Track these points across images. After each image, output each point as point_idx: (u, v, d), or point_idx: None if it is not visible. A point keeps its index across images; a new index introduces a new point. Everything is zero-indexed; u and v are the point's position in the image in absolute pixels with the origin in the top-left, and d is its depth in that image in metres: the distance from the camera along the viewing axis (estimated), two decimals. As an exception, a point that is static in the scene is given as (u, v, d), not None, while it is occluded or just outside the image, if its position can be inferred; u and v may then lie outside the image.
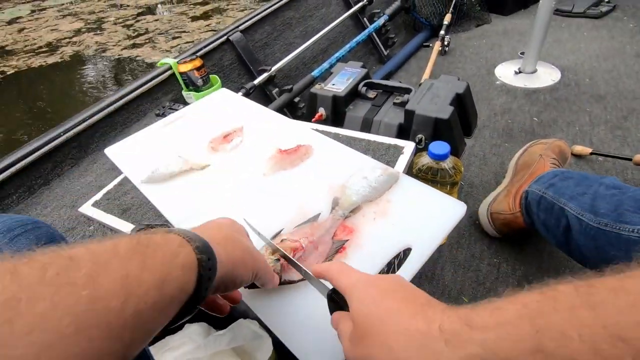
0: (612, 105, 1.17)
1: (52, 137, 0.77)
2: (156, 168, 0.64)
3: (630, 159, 0.92)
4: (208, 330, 0.61)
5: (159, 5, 4.42)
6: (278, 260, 0.42)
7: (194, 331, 0.59)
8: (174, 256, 0.24)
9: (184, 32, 3.58)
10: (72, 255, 0.20)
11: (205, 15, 3.95)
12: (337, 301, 0.33)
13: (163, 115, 0.91)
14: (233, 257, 0.31)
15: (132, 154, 0.69)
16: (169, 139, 0.72)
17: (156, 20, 3.97)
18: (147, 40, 3.48)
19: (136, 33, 3.67)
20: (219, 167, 0.63)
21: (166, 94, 1.00)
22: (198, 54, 1.02)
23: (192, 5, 4.29)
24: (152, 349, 0.56)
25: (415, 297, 0.28)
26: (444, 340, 0.23)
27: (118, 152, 0.70)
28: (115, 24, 3.97)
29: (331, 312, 0.34)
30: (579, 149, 1.00)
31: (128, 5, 4.48)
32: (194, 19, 3.88)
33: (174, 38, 3.46)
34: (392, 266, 0.52)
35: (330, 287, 0.34)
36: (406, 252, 0.47)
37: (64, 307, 0.17)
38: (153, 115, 0.94)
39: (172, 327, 0.25)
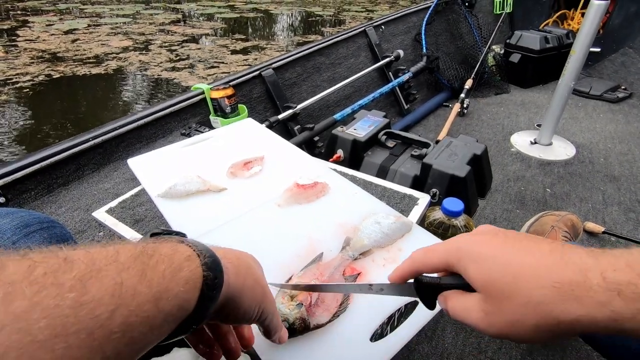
0: (625, 188, 1.18)
1: (80, 141, 0.80)
2: (174, 184, 0.65)
3: (643, 244, 0.91)
4: (196, 358, 0.59)
5: (204, 36, 4.73)
6: (301, 305, 0.40)
7: (181, 357, 0.57)
8: (178, 270, 0.22)
9: (222, 63, 3.79)
10: (68, 257, 0.18)
11: (245, 51, 4.20)
12: (428, 287, 0.30)
13: (188, 135, 0.94)
14: (243, 282, 0.28)
15: (153, 168, 0.71)
16: (191, 158, 0.73)
17: (198, 48, 4.23)
18: (187, 66, 3.69)
19: (178, 57, 3.91)
20: (236, 192, 0.64)
21: (194, 116, 1.04)
22: (231, 83, 1.07)
23: (234, 40, 4.58)
24: (135, 370, 0.54)
25: (538, 241, 0.25)
26: (617, 292, 0.21)
27: (140, 163, 0.72)
28: (160, 47, 4.25)
29: (429, 304, 0.31)
30: (592, 226, 0.99)
31: (176, 32, 4.82)
32: (234, 52, 4.13)
33: (211, 67, 3.67)
34: (392, 319, 0.50)
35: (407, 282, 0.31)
36: (408, 305, 0.46)
37: (42, 308, 0.16)
38: (179, 134, 0.97)
39: (162, 344, 0.23)
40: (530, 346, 0.73)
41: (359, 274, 0.47)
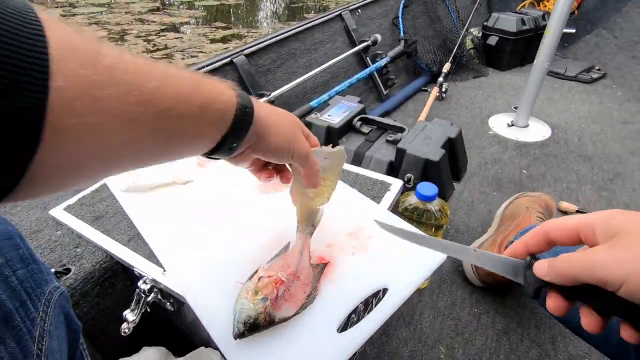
0: (598, 167, 1.20)
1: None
2: (137, 178, 0.62)
3: (614, 221, 0.93)
4: (166, 356, 0.57)
5: (183, 25, 4.57)
6: (265, 299, 0.39)
7: (149, 356, 0.55)
8: (220, 93, 0.28)
9: (201, 52, 3.68)
10: (150, 60, 0.24)
11: (224, 39, 4.07)
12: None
13: (155, 126, 0.90)
14: (270, 120, 0.33)
15: (116, 161, 0.67)
16: (156, 150, 0.70)
17: (177, 38, 4.08)
18: (165, 56, 3.56)
19: (155, 48, 3.76)
20: (202, 184, 0.62)
21: (162, 106, 1.00)
22: (200, 71, 1.03)
23: (214, 28, 4.43)
24: (102, 372, 0.52)
25: None
26: None
27: (102, 157, 0.68)
28: (137, 37, 4.08)
29: (535, 292, 0.29)
30: (566, 205, 1.00)
31: (154, 22, 4.62)
32: (213, 41, 4.00)
33: (191, 56, 3.56)
34: (369, 305, 0.49)
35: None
36: (384, 291, 0.45)
37: (142, 91, 0.22)
38: (145, 126, 0.93)
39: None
40: (506, 325, 0.74)
41: (327, 264, 0.46)
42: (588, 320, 0.27)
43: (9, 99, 0.15)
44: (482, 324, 0.74)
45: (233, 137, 0.30)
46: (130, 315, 0.47)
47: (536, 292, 0.29)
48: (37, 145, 0.17)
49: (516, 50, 1.92)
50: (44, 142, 0.17)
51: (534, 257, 0.30)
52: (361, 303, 0.43)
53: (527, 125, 1.42)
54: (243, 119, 0.30)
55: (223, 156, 0.32)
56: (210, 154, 0.31)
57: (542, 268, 0.28)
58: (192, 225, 0.53)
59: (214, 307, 0.41)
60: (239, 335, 0.37)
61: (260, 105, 0.32)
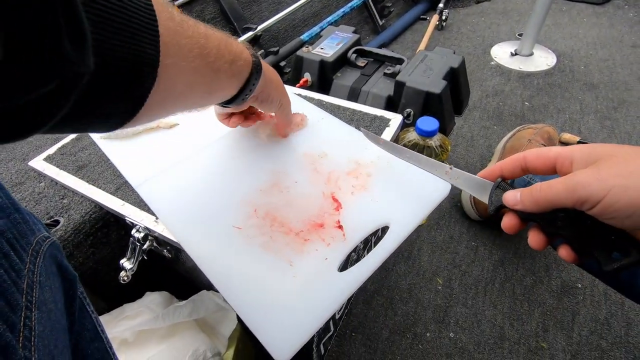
0: (603, 95, 1.15)
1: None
2: (118, 123, 0.58)
3: (616, 150, 0.91)
4: (169, 299, 0.58)
5: None
6: None
7: (153, 300, 0.55)
8: (241, 52, 0.35)
9: None
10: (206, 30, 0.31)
11: None
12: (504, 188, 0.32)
13: (133, 67, 0.83)
14: (271, 77, 0.42)
15: (93, 107, 0.62)
16: (136, 92, 0.65)
17: None
18: None
19: None
20: (189, 127, 0.58)
21: (139, 45, 0.91)
22: (176, 2, 0.92)
23: None
24: (107, 317, 0.53)
25: None
26: None
27: (78, 103, 0.63)
28: None
29: (496, 211, 0.32)
30: (567, 136, 0.98)
31: None
32: None
33: None
34: (369, 243, 0.49)
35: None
36: (384, 229, 0.44)
37: (200, 45, 0.29)
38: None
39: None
40: (502, 256, 0.75)
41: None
42: (536, 238, 0.30)
43: (141, 44, 0.22)
44: (479, 256, 0.76)
45: (248, 89, 0.38)
46: (127, 264, 0.46)
47: (497, 210, 0.32)
48: (156, 77, 0.24)
49: (524, -31, 1.75)
50: (159, 76, 0.24)
51: (504, 180, 0.33)
52: (361, 242, 0.42)
53: (531, 54, 1.34)
54: (256, 75, 0.38)
55: (236, 104, 0.39)
56: (227, 103, 0.39)
57: (514, 198, 0.30)
58: (183, 171, 0.50)
59: (212, 253, 0.40)
60: None
61: (265, 64, 0.40)
